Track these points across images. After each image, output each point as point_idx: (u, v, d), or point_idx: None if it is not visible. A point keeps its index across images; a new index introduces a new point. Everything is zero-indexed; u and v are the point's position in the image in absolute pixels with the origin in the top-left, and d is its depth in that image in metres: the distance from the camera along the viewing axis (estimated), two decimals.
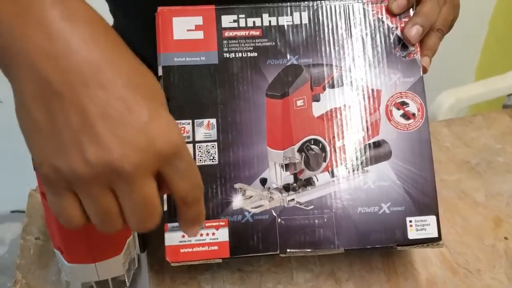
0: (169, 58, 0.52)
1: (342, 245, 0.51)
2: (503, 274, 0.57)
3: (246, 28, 0.53)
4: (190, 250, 0.51)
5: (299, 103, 0.52)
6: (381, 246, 0.52)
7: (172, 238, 0.51)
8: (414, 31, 0.52)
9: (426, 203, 0.52)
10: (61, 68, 0.32)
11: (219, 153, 0.51)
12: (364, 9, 0.54)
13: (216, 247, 0.51)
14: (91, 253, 0.46)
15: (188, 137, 0.51)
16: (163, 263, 0.53)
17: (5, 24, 0.33)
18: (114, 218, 0.35)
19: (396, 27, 0.54)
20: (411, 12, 0.54)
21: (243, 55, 0.52)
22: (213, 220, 0.51)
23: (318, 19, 0.53)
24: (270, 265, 0.57)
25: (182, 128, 0.52)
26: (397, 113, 0.53)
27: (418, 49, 0.53)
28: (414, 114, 0.53)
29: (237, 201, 0.51)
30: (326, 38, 0.53)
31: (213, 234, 0.51)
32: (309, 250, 0.51)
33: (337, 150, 0.52)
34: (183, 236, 0.51)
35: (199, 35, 0.52)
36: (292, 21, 0.53)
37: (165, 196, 0.51)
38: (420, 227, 0.52)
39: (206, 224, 0.51)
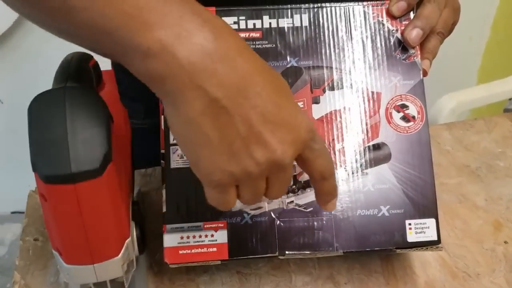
0: None
1: (341, 247, 0.51)
2: (503, 278, 0.57)
3: (246, 30, 0.53)
4: (188, 251, 0.50)
5: (299, 105, 0.52)
6: (380, 248, 0.51)
7: (171, 239, 0.51)
8: (414, 34, 0.52)
9: (425, 206, 0.52)
10: (225, 85, 0.36)
11: None
12: (364, 11, 0.54)
13: (214, 249, 0.51)
14: (90, 255, 0.46)
15: None
16: (162, 265, 0.53)
17: (168, 53, 0.35)
18: (260, 196, 0.41)
19: (397, 30, 0.53)
20: (412, 15, 0.54)
21: None
22: (212, 222, 0.51)
23: (319, 21, 0.53)
24: (269, 267, 0.57)
25: None
26: (397, 116, 0.53)
27: (418, 52, 0.53)
28: (414, 117, 0.53)
29: (236, 203, 0.51)
30: (327, 41, 0.53)
31: (212, 235, 0.51)
32: (308, 252, 0.51)
33: (337, 153, 0.52)
34: (181, 238, 0.50)
35: None
36: (293, 23, 0.53)
37: (163, 197, 0.51)
38: (419, 230, 0.52)
39: (205, 226, 0.51)
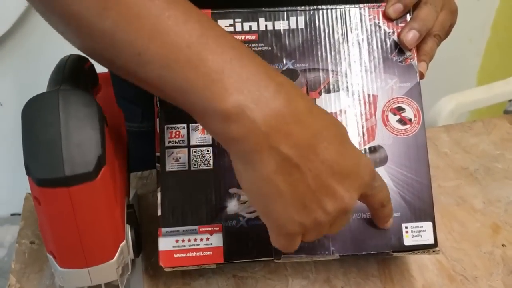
0: None
1: (337, 251, 0.51)
2: (500, 282, 0.56)
3: (242, 32, 0.53)
4: (183, 255, 0.50)
5: None
6: (376, 252, 0.51)
7: (166, 243, 0.50)
8: (410, 36, 0.52)
9: (422, 209, 0.52)
10: (298, 144, 0.38)
11: (214, 158, 0.51)
12: (360, 13, 0.53)
13: (210, 253, 0.50)
14: (84, 258, 0.46)
15: (183, 141, 0.51)
16: (157, 269, 0.53)
17: (246, 117, 0.37)
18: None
19: (393, 32, 0.53)
20: (408, 17, 0.53)
21: None
22: (208, 226, 0.51)
23: (315, 23, 0.53)
24: (266, 271, 0.57)
25: (177, 133, 0.51)
26: (393, 118, 0.53)
27: (415, 54, 0.53)
28: (410, 120, 0.53)
29: (232, 206, 0.51)
30: (323, 43, 0.53)
31: (207, 239, 0.51)
32: (304, 256, 0.51)
33: None
34: (176, 241, 0.50)
35: None
36: (289, 25, 0.53)
37: (158, 200, 0.51)
38: (416, 233, 0.51)
39: (200, 229, 0.51)
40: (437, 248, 0.52)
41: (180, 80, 0.37)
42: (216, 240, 0.51)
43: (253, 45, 0.53)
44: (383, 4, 0.53)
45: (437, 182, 0.67)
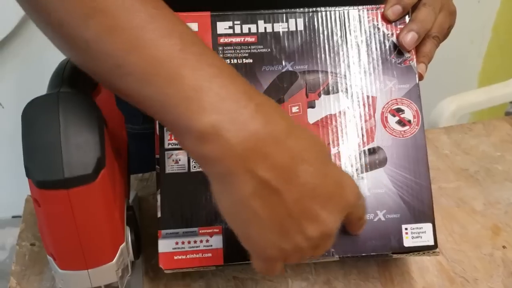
0: None
1: (337, 252, 0.51)
2: (501, 284, 0.56)
3: (242, 34, 0.53)
4: (183, 257, 0.50)
5: (294, 109, 0.52)
6: (376, 253, 0.51)
7: (166, 244, 0.50)
8: (409, 38, 0.52)
9: (422, 211, 0.52)
10: (276, 167, 0.36)
11: None
12: (359, 15, 0.54)
13: (210, 254, 0.51)
14: (84, 260, 0.46)
15: None
16: (158, 270, 0.53)
17: (222, 138, 0.36)
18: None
19: (392, 34, 0.53)
20: (407, 18, 0.53)
21: (238, 62, 0.52)
22: (207, 227, 0.51)
23: (314, 25, 0.53)
24: None
25: None
26: (392, 120, 0.53)
27: (414, 55, 0.53)
28: (409, 121, 0.53)
29: None
30: (322, 45, 0.53)
31: (207, 241, 0.51)
32: None
33: (332, 157, 0.52)
34: (176, 243, 0.50)
35: None
36: (288, 27, 0.53)
37: (158, 202, 0.51)
38: (416, 234, 0.51)
39: (200, 231, 0.51)
40: (437, 250, 0.52)
41: (158, 95, 0.36)
42: (216, 242, 0.51)
43: (252, 47, 0.53)
44: (382, 6, 0.54)
45: (438, 183, 0.67)
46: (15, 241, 0.62)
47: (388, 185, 0.52)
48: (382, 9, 0.53)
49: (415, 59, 0.53)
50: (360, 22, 0.53)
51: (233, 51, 0.53)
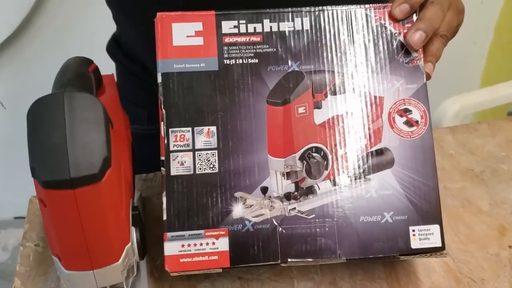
0: (168, 65, 0.51)
1: (344, 254, 0.51)
2: (507, 284, 0.56)
3: (247, 34, 0.52)
4: (189, 259, 0.50)
5: (301, 110, 0.52)
6: (383, 255, 0.51)
7: (172, 247, 0.50)
8: (417, 37, 0.51)
9: (429, 212, 0.51)
10: None
11: (219, 161, 0.51)
12: (366, 14, 0.53)
13: (216, 257, 0.50)
14: (89, 260, 0.46)
15: (188, 145, 0.51)
16: (163, 271, 0.52)
17: None
18: None
19: (399, 33, 0.53)
20: (414, 17, 0.53)
21: (244, 62, 0.52)
22: (213, 230, 0.50)
23: (320, 25, 0.53)
24: (271, 273, 0.56)
25: (182, 136, 0.51)
26: (400, 120, 0.52)
27: (421, 55, 0.53)
28: (417, 121, 0.52)
29: (238, 210, 0.51)
30: (328, 44, 0.53)
31: (213, 243, 0.50)
32: (311, 259, 0.50)
33: (339, 158, 0.51)
34: (182, 246, 0.50)
35: (199, 41, 0.52)
36: (293, 27, 0.53)
37: (164, 204, 0.50)
38: (423, 236, 0.51)
39: (206, 234, 0.50)
40: (444, 251, 0.51)
41: None
42: (222, 244, 0.50)
43: (257, 46, 0.52)
44: (389, 4, 0.53)
45: (443, 183, 0.66)
46: (17, 242, 0.62)
47: (396, 186, 0.51)
48: (389, 8, 0.53)
49: (422, 59, 0.53)
50: (367, 21, 0.53)
51: (238, 51, 0.52)
